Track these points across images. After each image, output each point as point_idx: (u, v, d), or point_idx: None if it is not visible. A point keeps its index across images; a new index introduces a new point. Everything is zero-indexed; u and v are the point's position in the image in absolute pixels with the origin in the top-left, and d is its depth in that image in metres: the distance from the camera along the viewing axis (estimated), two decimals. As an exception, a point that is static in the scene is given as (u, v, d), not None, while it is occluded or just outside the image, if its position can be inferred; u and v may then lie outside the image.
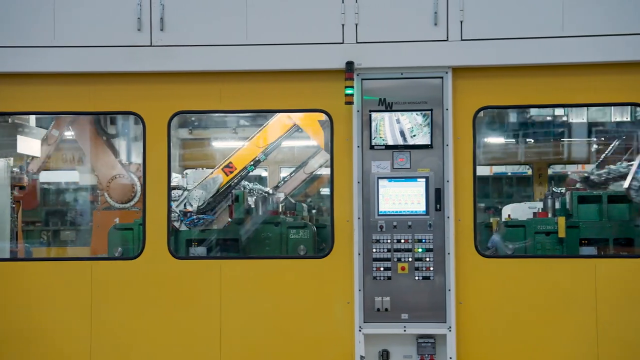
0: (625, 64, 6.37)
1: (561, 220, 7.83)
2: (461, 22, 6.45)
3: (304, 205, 11.60)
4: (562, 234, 7.80)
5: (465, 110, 6.54)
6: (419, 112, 6.46)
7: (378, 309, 6.50)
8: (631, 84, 6.38)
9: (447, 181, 6.47)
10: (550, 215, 8.50)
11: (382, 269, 6.50)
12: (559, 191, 9.07)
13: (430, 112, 6.44)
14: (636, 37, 6.29)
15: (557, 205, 8.61)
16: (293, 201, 11.15)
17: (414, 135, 6.48)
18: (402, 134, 6.49)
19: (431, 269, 6.47)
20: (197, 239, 8.58)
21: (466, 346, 6.48)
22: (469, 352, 6.48)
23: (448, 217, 6.45)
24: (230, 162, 8.87)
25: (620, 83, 6.41)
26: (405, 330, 6.45)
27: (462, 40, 6.45)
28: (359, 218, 6.52)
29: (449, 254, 6.43)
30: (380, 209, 6.54)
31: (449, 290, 6.42)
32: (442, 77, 6.50)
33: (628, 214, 8.06)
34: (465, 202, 6.52)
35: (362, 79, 6.56)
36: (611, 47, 6.31)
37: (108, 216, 9.10)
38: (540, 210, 8.91)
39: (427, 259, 6.47)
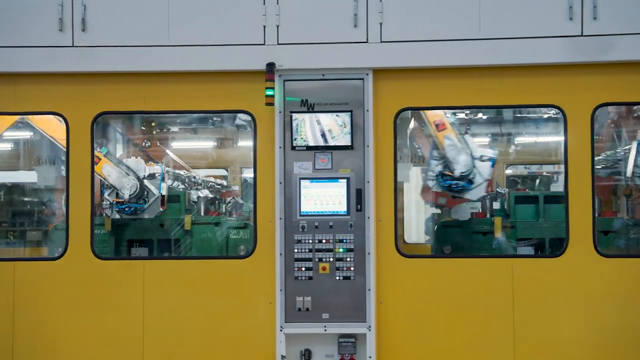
0: (545, 66, 6.44)
1: (497, 221, 7.89)
2: (380, 24, 6.49)
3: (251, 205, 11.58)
4: (498, 234, 7.87)
5: (386, 111, 6.59)
6: (339, 113, 6.51)
7: (299, 309, 6.54)
8: (550, 86, 6.46)
9: (368, 182, 6.52)
10: (488, 215, 8.57)
11: (303, 269, 6.55)
12: (502, 191, 9.13)
13: (350, 113, 6.49)
14: (555, 39, 6.37)
15: (498, 206, 8.68)
16: (241, 201, 11.15)
17: (334, 137, 6.52)
18: (323, 135, 6.54)
19: (352, 268, 6.52)
20: (137, 240, 8.59)
21: (386, 345, 6.53)
22: (389, 351, 6.53)
23: (368, 218, 6.50)
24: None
25: (540, 85, 6.48)
26: (325, 330, 6.50)
27: (381, 42, 6.50)
28: (280, 218, 6.57)
29: (369, 254, 6.48)
30: (302, 210, 6.59)
31: (369, 289, 6.47)
32: (363, 79, 6.55)
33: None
34: (386, 203, 6.57)
35: (284, 80, 6.60)
36: (529, 49, 6.37)
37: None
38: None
39: (348, 259, 6.52)
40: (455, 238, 8.14)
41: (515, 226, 7.89)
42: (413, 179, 8.91)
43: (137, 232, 8.16)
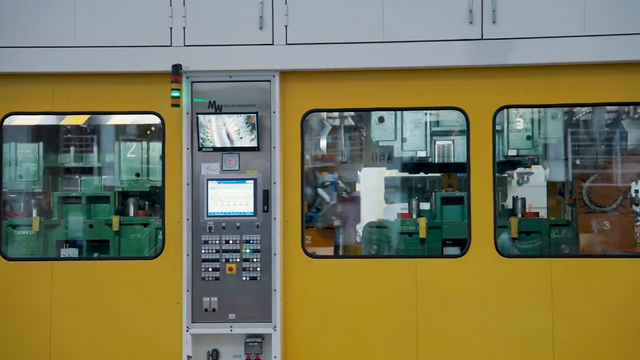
0: (448, 69, 6.53)
1: (422, 222, 7.96)
2: (286, 26, 6.54)
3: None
4: (422, 234, 7.95)
5: (293, 113, 6.64)
6: (246, 115, 6.55)
7: (206, 309, 6.58)
8: (453, 88, 6.55)
9: (274, 183, 6.57)
10: (414, 216, 8.65)
11: (210, 269, 6.58)
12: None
13: (255, 114, 6.53)
14: (457, 42, 6.45)
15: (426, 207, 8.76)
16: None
17: (242, 138, 6.56)
18: (229, 136, 6.58)
19: (258, 269, 6.57)
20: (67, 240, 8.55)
21: (292, 345, 6.59)
22: (295, 351, 6.59)
23: (275, 218, 6.55)
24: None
25: (443, 87, 6.57)
26: (231, 330, 6.54)
27: (287, 44, 6.55)
28: (188, 219, 6.59)
29: (275, 254, 6.54)
30: (209, 211, 6.62)
31: (275, 290, 6.52)
32: (269, 81, 6.59)
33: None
34: (293, 204, 6.63)
35: (192, 82, 6.63)
36: (432, 53, 6.45)
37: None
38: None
39: (255, 260, 6.56)
40: (382, 238, 8.24)
41: (442, 227, 8.00)
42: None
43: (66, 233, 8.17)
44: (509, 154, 8.09)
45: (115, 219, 7.90)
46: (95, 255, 7.89)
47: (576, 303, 6.37)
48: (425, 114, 7.95)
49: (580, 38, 6.30)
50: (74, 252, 8.17)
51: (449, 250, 7.77)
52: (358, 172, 9.31)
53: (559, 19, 6.34)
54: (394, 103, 6.73)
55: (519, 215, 8.11)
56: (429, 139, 8.15)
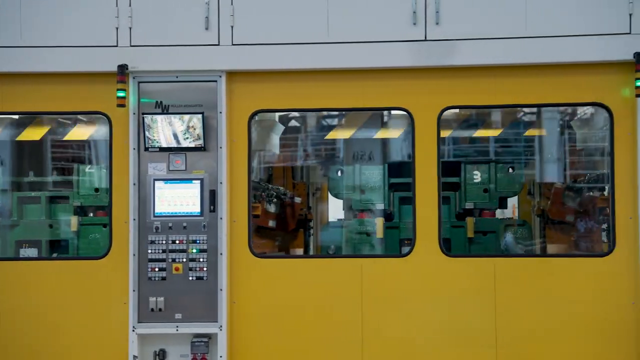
0: (393, 69, 6.56)
1: (379, 222, 8.01)
2: (232, 27, 6.56)
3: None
4: (379, 234, 7.99)
5: (240, 113, 6.66)
6: (192, 115, 6.56)
7: (152, 309, 6.59)
8: (399, 89, 6.58)
9: (221, 183, 6.58)
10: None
11: (157, 269, 6.60)
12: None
13: (202, 114, 6.54)
14: (401, 43, 6.49)
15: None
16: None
17: (187, 138, 6.57)
18: (175, 136, 6.58)
19: (205, 269, 6.58)
20: (27, 241, 8.53)
21: (239, 345, 6.61)
22: (242, 351, 6.61)
23: (221, 219, 6.57)
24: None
25: (389, 88, 6.60)
26: (177, 330, 6.55)
27: (233, 45, 6.57)
28: (134, 219, 6.60)
29: (221, 254, 6.55)
30: (156, 211, 6.63)
31: (221, 289, 6.54)
32: (216, 81, 6.61)
33: (448, 215, 8.31)
34: (240, 204, 6.65)
35: (139, 82, 6.64)
36: (376, 53, 6.48)
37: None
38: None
39: (201, 260, 6.58)
40: (339, 238, 8.28)
41: (399, 227, 8.04)
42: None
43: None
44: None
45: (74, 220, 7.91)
46: (55, 255, 7.90)
47: (519, 302, 6.41)
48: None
49: (523, 39, 6.34)
50: (33, 252, 8.19)
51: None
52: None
53: (502, 20, 6.38)
54: (340, 104, 6.76)
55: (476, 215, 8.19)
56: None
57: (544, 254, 7.27)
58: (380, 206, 8.15)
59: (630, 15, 6.24)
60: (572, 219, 7.74)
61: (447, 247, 7.77)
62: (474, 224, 8.01)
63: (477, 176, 8.03)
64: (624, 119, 6.31)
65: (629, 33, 6.24)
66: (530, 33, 6.34)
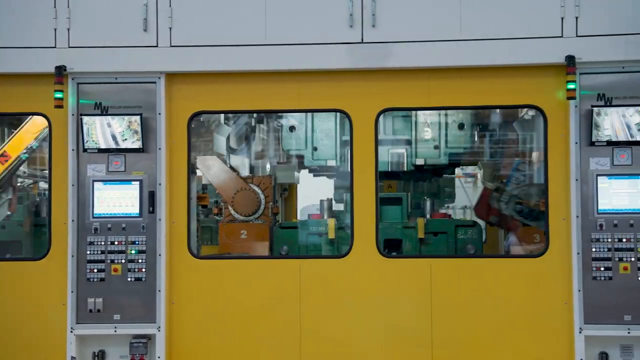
0: (331, 72, 6.60)
1: (331, 222, 8.04)
2: (170, 28, 6.58)
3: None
4: (331, 235, 8.02)
5: (180, 114, 6.68)
6: (130, 116, 6.57)
7: (91, 310, 6.60)
8: (337, 91, 6.62)
9: (160, 184, 6.60)
10: (325, 217, 8.72)
11: (95, 270, 6.60)
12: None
13: (140, 116, 6.55)
14: (338, 46, 6.52)
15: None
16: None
17: (126, 139, 6.58)
18: (114, 137, 6.59)
19: (143, 270, 6.59)
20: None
21: (178, 345, 6.63)
22: (180, 351, 6.63)
23: (160, 219, 6.59)
24: (5, 151, 8.75)
25: (327, 90, 6.64)
26: (115, 331, 6.57)
27: (171, 46, 6.58)
28: (73, 220, 6.61)
29: (160, 255, 6.57)
30: (95, 212, 6.64)
31: (159, 290, 6.56)
32: (155, 82, 6.62)
33: (400, 216, 8.37)
34: (180, 205, 6.67)
35: (78, 83, 6.64)
36: (314, 55, 6.52)
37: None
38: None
39: (140, 261, 6.59)
40: (291, 239, 8.30)
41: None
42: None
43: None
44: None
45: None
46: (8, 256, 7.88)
47: (455, 302, 6.48)
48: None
49: (457, 42, 6.40)
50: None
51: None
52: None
53: (437, 23, 6.43)
54: (278, 105, 6.79)
55: (428, 216, 8.24)
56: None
57: (479, 254, 7.32)
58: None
59: (562, 18, 6.31)
60: (495, 220, 7.81)
61: (399, 248, 7.88)
62: (425, 225, 8.10)
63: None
64: (557, 121, 6.38)
65: (561, 36, 6.31)
66: (464, 36, 6.39)
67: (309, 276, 6.60)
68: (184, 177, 6.68)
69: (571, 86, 6.16)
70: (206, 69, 6.60)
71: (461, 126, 7.94)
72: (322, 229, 8.10)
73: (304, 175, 9.42)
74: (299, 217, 9.50)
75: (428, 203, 8.26)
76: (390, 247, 7.88)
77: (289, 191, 9.45)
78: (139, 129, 6.54)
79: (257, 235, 7.73)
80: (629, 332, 6.21)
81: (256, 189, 8.00)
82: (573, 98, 6.20)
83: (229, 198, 7.77)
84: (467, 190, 12.83)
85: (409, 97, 6.58)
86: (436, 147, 8.10)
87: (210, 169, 7.95)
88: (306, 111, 7.33)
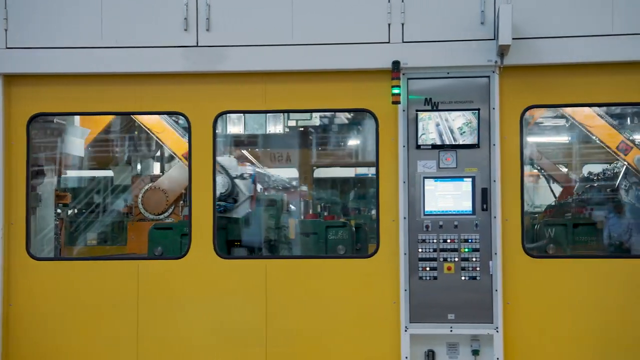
0: (170, 74, 6.67)
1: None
2: (6, 30, 6.60)
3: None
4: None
5: (18, 118, 6.70)
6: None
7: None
8: (177, 94, 6.69)
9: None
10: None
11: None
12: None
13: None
14: (174, 49, 6.60)
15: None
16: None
17: (-38, 141, 6.59)
18: (-51, 139, 6.59)
19: None
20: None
21: (14, 345, 6.66)
22: (19, 352, 6.66)
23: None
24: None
25: (167, 93, 6.70)
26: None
27: (7, 48, 6.62)
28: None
29: None
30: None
31: (-4, 292, 6.58)
32: None
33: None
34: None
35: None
36: (151, 59, 6.59)
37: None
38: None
39: None
40: (166, 240, 8.34)
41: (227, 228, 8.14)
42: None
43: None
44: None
45: None
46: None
47: (289, 302, 6.58)
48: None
49: (290, 47, 6.51)
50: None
51: (237, 251, 7.96)
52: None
53: (269, 28, 6.54)
54: (118, 108, 6.83)
55: (301, 217, 8.38)
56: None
57: (314, 255, 7.45)
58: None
59: (389, 25, 6.46)
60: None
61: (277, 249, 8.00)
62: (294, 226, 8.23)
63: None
64: (388, 125, 6.52)
65: (388, 42, 6.47)
66: (296, 41, 6.51)
67: (147, 277, 6.66)
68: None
69: (396, 91, 6.31)
70: (44, 71, 6.63)
71: None
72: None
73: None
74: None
75: (302, 204, 8.40)
76: (267, 247, 8.03)
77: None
78: None
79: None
80: (451, 331, 6.39)
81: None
82: (398, 102, 6.35)
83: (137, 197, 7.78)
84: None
85: (246, 100, 6.67)
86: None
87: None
88: (145, 113, 7.39)
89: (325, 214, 9.03)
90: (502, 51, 6.18)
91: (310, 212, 9.31)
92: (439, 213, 6.46)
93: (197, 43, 6.58)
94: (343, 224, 8.37)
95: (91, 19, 6.60)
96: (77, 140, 7.93)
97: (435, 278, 6.44)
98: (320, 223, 8.31)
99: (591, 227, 8.03)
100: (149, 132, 8.86)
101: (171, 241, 7.99)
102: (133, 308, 6.63)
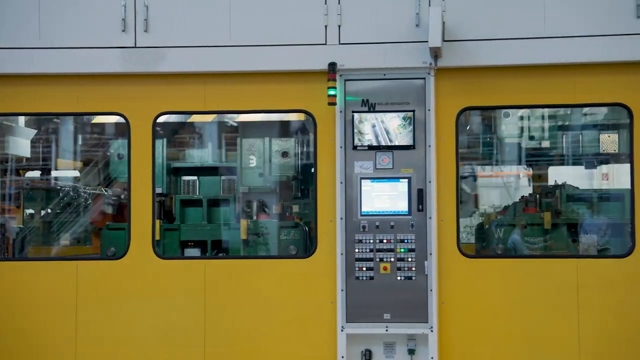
0: (113, 75, 6.68)
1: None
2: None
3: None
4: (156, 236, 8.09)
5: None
6: None
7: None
8: (118, 93, 6.71)
9: None
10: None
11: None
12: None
13: None
14: (112, 50, 6.62)
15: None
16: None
17: None
18: None
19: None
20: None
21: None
22: None
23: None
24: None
25: (108, 93, 6.72)
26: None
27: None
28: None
29: None
30: None
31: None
32: None
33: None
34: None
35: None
36: (86, 60, 6.62)
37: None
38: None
39: None
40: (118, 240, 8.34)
41: (180, 229, 8.15)
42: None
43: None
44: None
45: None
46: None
47: (228, 302, 6.60)
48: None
49: (228, 48, 6.55)
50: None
51: (190, 251, 7.96)
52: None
53: (207, 29, 6.58)
54: (57, 108, 6.89)
55: (254, 218, 8.37)
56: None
57: (253, 255, 7.47)
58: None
59: (326, 26, 6.51)
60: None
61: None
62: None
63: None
64: (326, 126, 6.56)
65: (325, 44, 6.52)
66: (234, 42, 6.55)
67: (85, 278, 6.67)
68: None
69: (332, 92, 6.36)
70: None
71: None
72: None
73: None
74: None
75: (255, 204, 8.41)
76: (215, 248, 8.03)
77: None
78: None
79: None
80: (387, 330, 6.44)
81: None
82: (334, 104, 6.40)
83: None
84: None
85: (185, 101, 6.70)
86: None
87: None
88: (83, 114, 7.41)
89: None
90: (435, 53, 6.25)
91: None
92: (375, 213, 6.51)
93: (136, 44, 6.60)
94: (295, 225, 8.41)
95: (30, 19, 6.62)
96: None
97: (371, 278, 6.48)
98: (273, 223, 8.33)
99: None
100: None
101: (124, 241, 8.04)
102: (72, 309, 6.64)
